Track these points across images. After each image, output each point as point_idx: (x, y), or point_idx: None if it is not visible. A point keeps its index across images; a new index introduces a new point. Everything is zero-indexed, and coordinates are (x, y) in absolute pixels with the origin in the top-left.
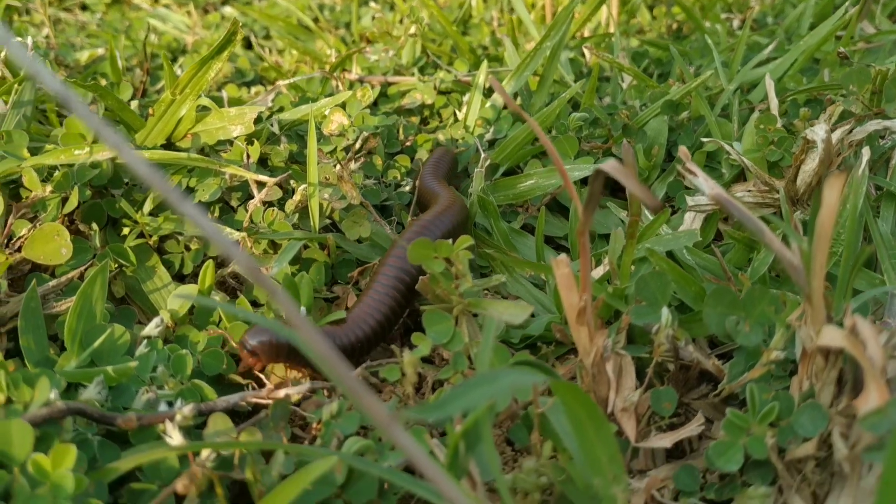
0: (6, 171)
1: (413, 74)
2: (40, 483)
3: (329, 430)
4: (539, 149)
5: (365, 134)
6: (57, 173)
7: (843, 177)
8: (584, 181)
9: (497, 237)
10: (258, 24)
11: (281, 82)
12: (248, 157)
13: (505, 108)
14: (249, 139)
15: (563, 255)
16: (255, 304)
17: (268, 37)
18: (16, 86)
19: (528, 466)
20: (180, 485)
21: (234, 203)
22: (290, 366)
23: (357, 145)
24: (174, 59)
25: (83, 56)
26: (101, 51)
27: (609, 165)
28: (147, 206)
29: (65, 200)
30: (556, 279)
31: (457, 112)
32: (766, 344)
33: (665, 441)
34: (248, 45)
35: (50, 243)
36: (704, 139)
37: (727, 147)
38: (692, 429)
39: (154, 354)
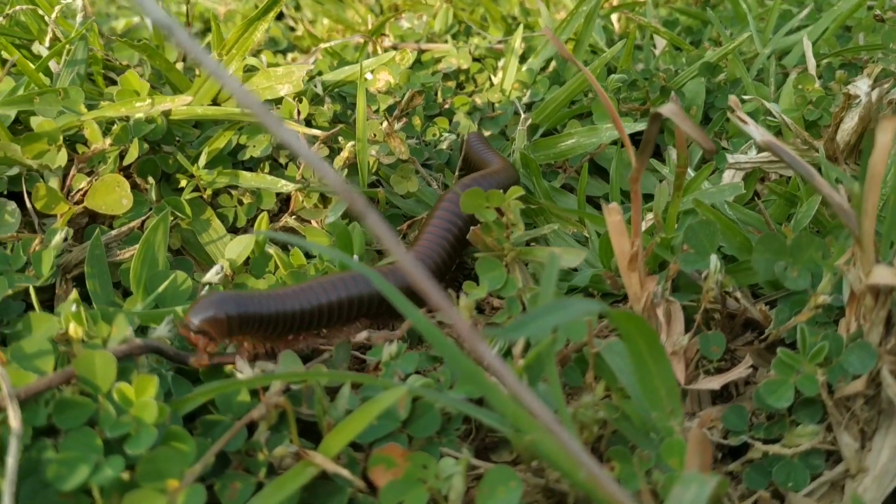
0: (66, 125)
1: (446, 41)
2: (124, 410)
3: (389, 371)
4: (577, 110)
5: (410, 91)
6: (115, 127)
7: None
8: (619, 141)
9: (539, 195)
10: None
11: (323, 45)
12: (299, 113)
13: (542, 71)
14: (297, 98)
15: (614, 203)
16: (308, 255)
17: (298, 7)
18: (68, 46)
19: (586, 401)
20: (256, 413)
21: (282, 160)
22: (246, 338)
23: (403, 103)
24: (207, 30)
25: (119, 24)
26: (136, 19)
27: (667, 108)
28: (202, 161)
29: (122, 154)
30: (608, 226)
31: (492, 77)
32: (814, 289)
33: (714, 383)
34: (278, 17)
35: (111, 194)
36: (745, 97)
37: (768, 105)
38: (741, 371)
39: None
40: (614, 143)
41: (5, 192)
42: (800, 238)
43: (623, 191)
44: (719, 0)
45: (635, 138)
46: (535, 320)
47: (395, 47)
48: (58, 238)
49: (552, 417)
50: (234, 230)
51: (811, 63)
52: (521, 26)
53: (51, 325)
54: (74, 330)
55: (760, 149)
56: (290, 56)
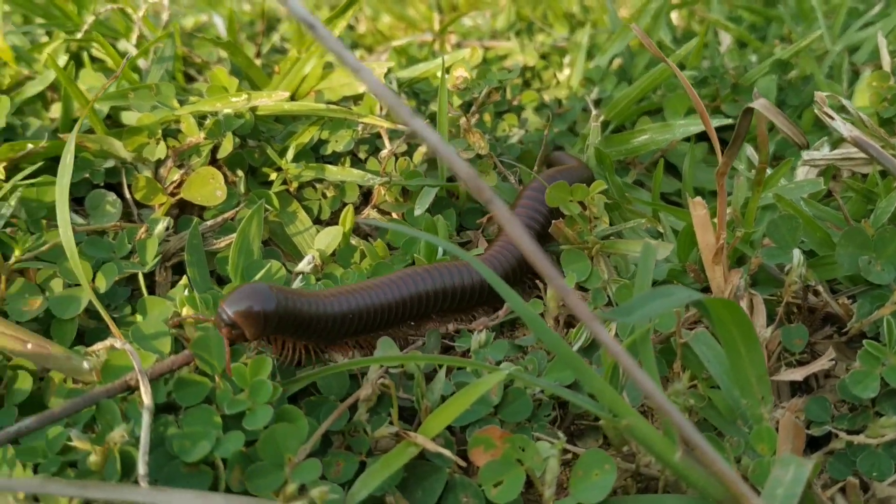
0: (163, 119)
1: (508, 39)
2: (240, 389)
3: (480, 357)
4: (646, 107)
5: (488, 88)
6: (208, 121)
7: None
8: (690, 138)
9: (613, 190)
10: None
11: (394, 43)
12: (381, 109)
13: (609, 67)
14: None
15: (698, 198)
16: (391, 246)
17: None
18: (156, 44)
19: (676, 388)
20: (363, 393)
21: (361, 155)
22: (279, 339)
23: (480, 99)
24: (271, 28)
25: (188, 22)
26: (204, 17)
27: (759, 103)
28: (290, 155)
29: (213, 148)
30: (693, 220)
31: (557, 73)
32: None
33: (797, 375)
34: None
35: (206, 186)
36: (823, 93)
37: (844, 102)
38: (823, 363)
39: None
40: (685, 139)
41: (102, 184)
42: (883, 232)
43: (695, 187)
44: None
45: (706, 135)
46: (643, 305)
47: (459, 45)
48: (160, 227)
49: (663, 397)
50: (317, 222)
51: (886, 60)
52: (588, 24)
53: (164, 309)
54: (188, 313)
55: (834, 146)
56: (357, 53)
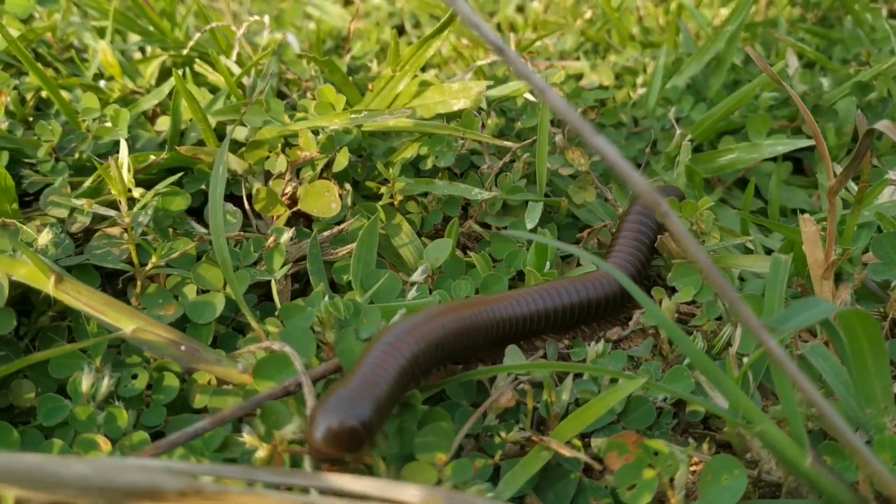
0: (282, 133)
1: (578, 59)
2: None
3: (598, 366)
4: (724, 127)
5: (584, 106)
6: (321, 136)
7: None
8: (775, 159)
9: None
10: (405, 13)
11: (478, 63)
12: (483, 126)
13: (687, 87)
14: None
15: (807, 215)
16: (494, 259)
17: (417, 25)
18: (261, 60)
19: (801, 399)
20: (504, 399)
21: (456, 170)
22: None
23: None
24: (336, 48)
25: (263, 40)
26: (278, 35)
27: (883, 124)
28: (396, 169)
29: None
30: (803, 236)
31: (631, 93)
32: None
33: None
34: (399, 33)
35: (322, 198)
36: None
37: None
38: None
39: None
40: (768, 159)
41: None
42: None
43: (781, 207)
44: (837, 18)
45: (789, 155)
46: (796, 315)
47: (530, 64)
48: (286, 236)
49: (826, 404)
50: (418, 235)
51: None
52: (664, 45)
53: (306, 315)
54: (328, 318)
55: None
56: (431, 72)
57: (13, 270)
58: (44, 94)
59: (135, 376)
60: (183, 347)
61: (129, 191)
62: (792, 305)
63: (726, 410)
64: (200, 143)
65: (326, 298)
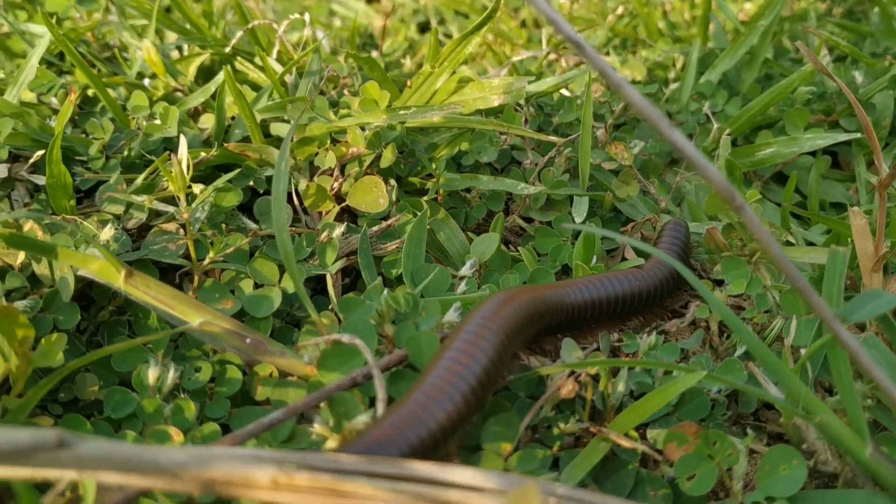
0: (330, 129)
1: (608, 55)
2: None
3: (650, 358)
4: (763, 120)
5: (624, 103)
6: (367, 132)
7: None
8: (813, 153)
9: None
10: (429, 9)
11: (514, 59)
12: (526, 121)
13: (719, 82)
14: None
15: (856, 208)
16: (539, 253)
17: (442, 21)
18: (303, 58)
19: (858, 389)
20: (565, 391)
21: (497, 166)
22: None
23: (617, 112)
24: (363, 45)
25: (293, 37)
26: (307, 31)
27: None
28: (441, 165)
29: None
30: (853, 229)
31: (663, 88)
32: None
33: None
34: (421, 30)
35: (370, 194)
36: None
37: None
38: None
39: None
40: (806, 153)
41: (262, 192)
42: None
43: (820, 201)
44: (863, 12)
45: (826, 150)
46: (863, 306)
47: (558, 59)
48: (338, 231)
49: (894, 387)
50: (462, 230)
51: None
52: (698, 40)
53: (365, 308)
54: (388, 311)
55: None
56: (463, 68)
57: (85, 265)
58: (90, 92)
59: (198, 369)
60: (248, 340)
61: (189, 187)
62: (858, 297)
63: (783, 401)
64: (245, 139)
65: (385, 292)
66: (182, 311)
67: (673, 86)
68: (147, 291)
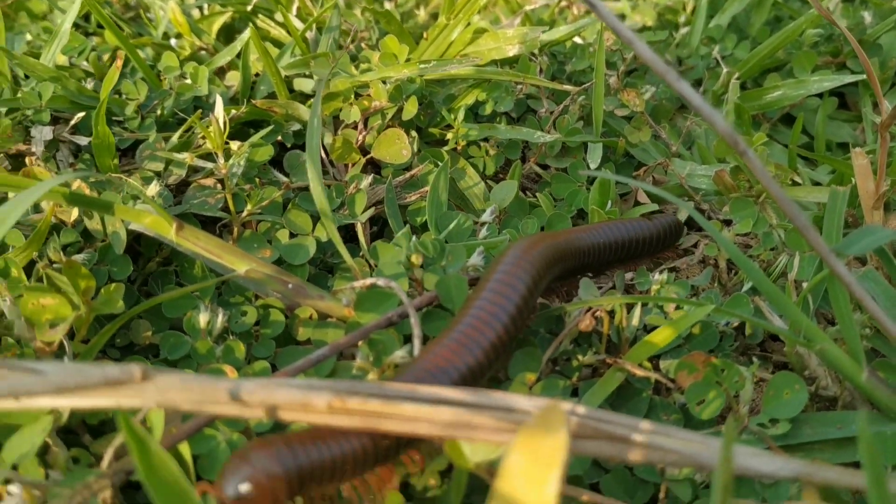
0: (354, 84)
1: (618, 0)
2: None
3: (662, 293)
4: (771, 63)
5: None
6: (389, 86)
7: None
8: (820, 94)
9: (750, 143)
10: None
11: (527, 7)
12: (541, 71)
13: (728, 26)
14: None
15: (858, 149)
16: (555, 199)
17: None
18: (323, 14)
19: (857, 319)
20: (583, 325)
21: (513, 115)
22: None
23: (628, 60)
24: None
25: None
26: None
27: None
28: (460, 115)
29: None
30: (855, 168)
31: (673, 33)
32: None
33: None
34: None
35: (393, 146)
36: None
37: None
38: None
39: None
40: (813, 95)
41: (289, 146)
42: None
43: (827, 142)
44: None
45: (833, 91)
46: (859, 241)
47: (569, 6)
48: (366, 182)
49: (885, 316)
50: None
51: None
52: None
53: (395, 253)
54: (416, 257)
55: None
56: (475, 18)
57: (139, 220)
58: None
59: (244, 313)
60: (290, 285)
61: (226, 143)
62: (854, 233)
63: (787, 331)
64: (271, 95)
65: (414, 239)
66: (229, 260)
67: (683, 30)
68: (196, 243)
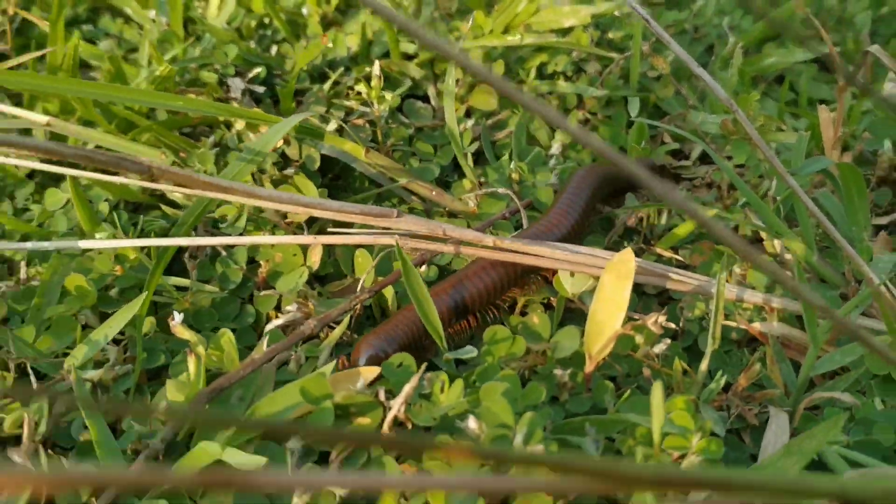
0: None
1: None
2: None
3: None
4: (769, 34)
5: (664, 24)
6: (480, 51)
7: None
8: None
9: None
10: None
11: None
12: (593, 41)
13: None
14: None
15: (823, 105)
16: (602, 139)
17: None
18: None
19: (811, 221)
20: (630, 221)
21: (568, 73)
22: None
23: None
24: None
25: None
26: None
27: (874, 48)
28: (532, 74)
29: None
30: (820, 119)
31: (692, 5)
32: None
33: (883, 220)
34: None
35: (485, 97)
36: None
37: None
38: None
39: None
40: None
41: (403, 99)
42: None
43: (809, 98)
44: None
45: (816, 61)
46: (809, 166)
47: None
48: (471, 123)
49: (826, 219)
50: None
51: None
52: None
53: (502, 171)
54: (516, 175)
55: None
56: None
57: (342, 145)
58: (266, 20)
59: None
60: (433, 192)
61: (383, 94)
62: (806, 161)
63: (765, 228)
64: (385, 55)
65: (512, 163)
66: (396, 175)
67: (699, 2)
68: (378, 162)
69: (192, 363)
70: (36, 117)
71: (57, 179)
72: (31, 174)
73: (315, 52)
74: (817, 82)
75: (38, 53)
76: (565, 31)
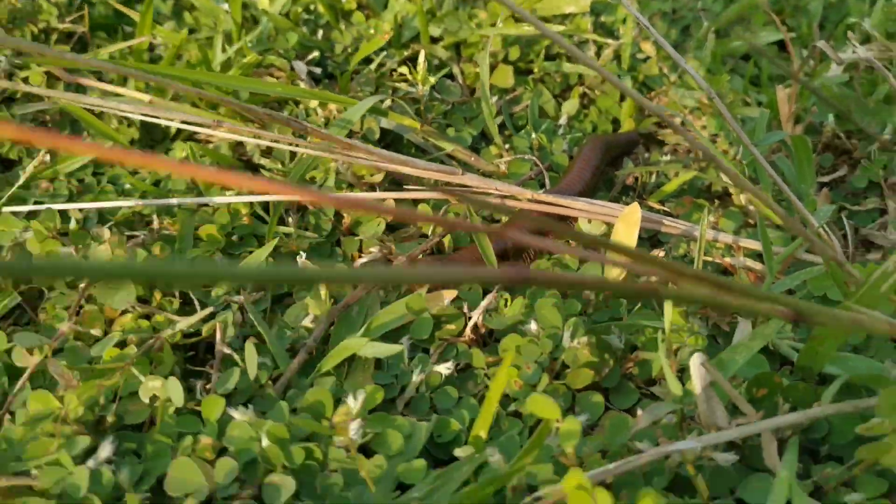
0: (482, 36)
1: None
2: None
3: (668, 166)
4: (738, 17)
5: (651, 12)
6: (497, 37)
7: None
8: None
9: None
10: None
11: None
12: (591, 26)
13: None
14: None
15: (780, 85)
16: (600, 111)
17: None
18: None
19: (770, 182)
20: (628, 179)
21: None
22: None
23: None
24: None
25: None
26: None
27: (821, 43)
28: (541, 56)
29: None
30: (777, 96)
31: None
32: (881, 133)
33: (825, 179)
34: None
35: (503, 77)
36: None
37: (864, 22)
38: (838, 174)
39: None
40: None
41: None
42: (877, 105)
43: (769, 76)
44: None
45: (776, 44)
46: (768, 139)
47: None
48: (494, 99)
49: (778, 178)
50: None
51: None
52: None
53: (527, 139)
54: (538, 142)
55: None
56: None
57: (401, 120)
58: (313, 7)
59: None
60: (472, 157)
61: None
62: (767, 134)
63: (734, 186)
64: (414, 39)
65: (533, 134)
66: (445, 145)
67: None
68: (431, 136)
69: (323, 288)
70: (140, 95)
71: (151, 146)
72: (132, 141)
73: (380, 42)
74: (778, 60)
75: (130, 43)
76: (566, 17)
